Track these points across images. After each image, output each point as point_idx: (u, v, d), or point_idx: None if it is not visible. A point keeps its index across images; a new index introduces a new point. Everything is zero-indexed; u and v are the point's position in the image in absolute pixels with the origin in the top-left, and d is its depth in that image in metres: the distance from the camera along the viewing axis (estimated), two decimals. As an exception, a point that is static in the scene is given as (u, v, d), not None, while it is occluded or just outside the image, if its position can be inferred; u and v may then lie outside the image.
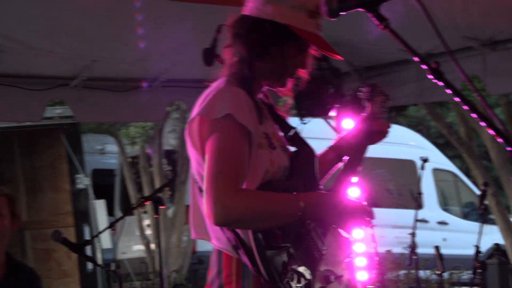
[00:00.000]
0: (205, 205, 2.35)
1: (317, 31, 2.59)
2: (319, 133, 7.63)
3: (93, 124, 13.62)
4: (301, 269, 2.40)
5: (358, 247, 5.64)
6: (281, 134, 2.71)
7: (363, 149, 2.84)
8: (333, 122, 6.67)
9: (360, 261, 5.75)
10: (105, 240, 9.36)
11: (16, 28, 5.08)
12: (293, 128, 2.75)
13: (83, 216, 8.78)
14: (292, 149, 2.71)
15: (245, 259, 2.43)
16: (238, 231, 2.44)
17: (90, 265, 8.43)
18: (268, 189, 2.46)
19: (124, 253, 13.49)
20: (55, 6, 4.81)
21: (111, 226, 5.58)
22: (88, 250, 4.79)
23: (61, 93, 5.93)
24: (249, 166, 2.43)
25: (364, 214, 2.50)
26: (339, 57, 2.65)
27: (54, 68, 5.75)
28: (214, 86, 2.53)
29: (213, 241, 2.56)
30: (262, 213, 2.39)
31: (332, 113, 6.02)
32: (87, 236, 8.47)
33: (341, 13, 2.22)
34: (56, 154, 8.87)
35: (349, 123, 5.53)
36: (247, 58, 2.54)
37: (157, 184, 12.93)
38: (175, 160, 13.65)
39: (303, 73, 2.68)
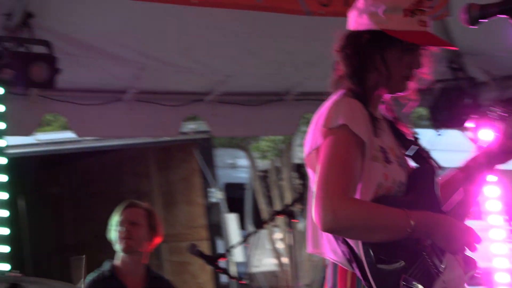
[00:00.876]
0: (313, 210, 2.35)
1: (421, 27, 2.55)
2: (456, 145, 7.41)
3: (224, 139, 13.82)
4: (416, 286, 2.35)
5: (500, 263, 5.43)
6: (402, 149, 2.66)
7: (490, 170, 2.75)
8: (469, 134, 6.48)
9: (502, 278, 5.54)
10: (238, 254, 9.45)
11: (155, 46, 5.24)
12: (416, 144, 2.69)
13: (216, 229, 8.91)
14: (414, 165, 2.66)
15: (358, 273, 2.41)
16: (352, 244, 2.43)
17: (224, 278, 8.52)
18: (382, 204, 2.42)
19: (256, 266, 13.59)
20: (192, 24, 4.93)
21: (245, 239, 5.62)
22: (222, 263, 4.83)
23: (197, 108, 6.05)
24: (362, 178, 2.42)
25: (473, 240, 2.45)
26: (452, 48, 2.59)
27: (189, 83, 5.87)
28: (331, 98, 2.55)
29: (329, 254, 2.55)
30: (370, 224, 2.37)
31: (469, 124, 5.84)
32: (220, 250, 8.57)
33: (481, 20, 2.15)
34: (190, 168, 9.05)
35: (486, 134, 5.35)
36: (353, 72, 2.56)
37: (287, 198, 12.95)
38: (305, 173, 13.64)
39: (424, 73, 2.63)
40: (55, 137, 9.27)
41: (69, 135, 8.59)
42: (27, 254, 9.58)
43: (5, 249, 5.01)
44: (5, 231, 5.03)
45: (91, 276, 4.50)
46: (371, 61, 2.56)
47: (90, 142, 8.89)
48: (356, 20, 2.59)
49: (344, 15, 2.67)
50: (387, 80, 2.58)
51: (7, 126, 5.07)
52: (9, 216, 5.08)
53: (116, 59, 5.37)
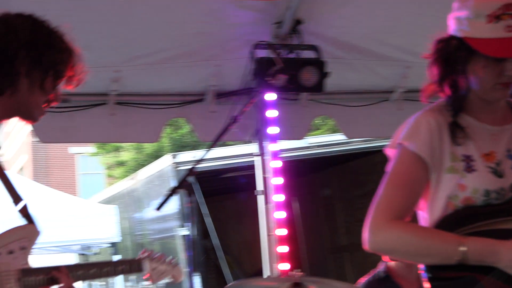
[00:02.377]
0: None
1: (507, 33, 2.35)
2: None
3: None
4: None
5: None
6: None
7: None
8: None
9: None
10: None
11: (421, 43, 5.14)
12: None
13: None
14: None
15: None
16: None
17: None
18: (464, 214, 2.36)
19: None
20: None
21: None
22: None
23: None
24: (429, 193, 2.43)
25: None
26: None
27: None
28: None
29: None
30: (411, 250, 2.37)
31: None
32: None
33: None
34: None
35: None
36: (441, 78, 2.50)
37: None
38: None
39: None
40: (325, 139, 9.48)
41: (338, 137, 8.77)
42: (303, 254, 9.92)
43: (284, 249, 5.19)
44: (283, 231, 5.22)
45: (365, 278, 4.52)
46: (461, 68, 2.45)
47: (359, 143, 8.98)
48: (449, 23, 2.51)
49: None
50: (478, 88, 2.45)
51: (280, 131, 5.27)
52: (286, 217, 5.26)
53: (383, 59, 5.35)
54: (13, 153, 31.46)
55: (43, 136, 5.34)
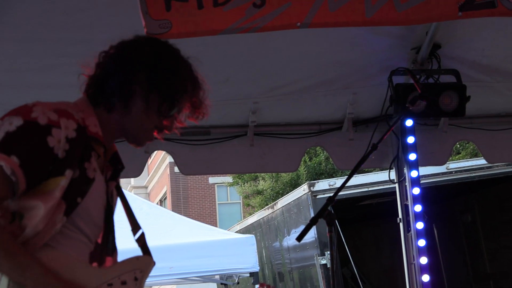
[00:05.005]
0: None
1: None
2: None
3: None
4: None
5: None
6: None
7: None
8: None
9: None
10: None
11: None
12: None
13: None
14: None
15: None
16: None
17: None
18: None
19: None
20: None
21: None
22: None
23: None
24: None
25: None
26: None
27: None
28: None
29: None
30: None
31: None
32: None
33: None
34: None
35: None
36: None
37: None
38: None
39: None
40: (465, 164, 9.25)
41: (479, 162, 8.54)
42: (446, 283, 9.65)
43: (425, 278, 5.09)
44: (423, 260, 5.12)
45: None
46: None
47: (501, 168, 8.70)
48: None
49: None
50: None
51: (420, 157, 5.19)
52: (426, 245, 5.16)
53: (526, 80, 5.17)
54: (154, 185, 32.54)
55: (184, 168, 5.49)
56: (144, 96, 2.49)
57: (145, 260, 2.55)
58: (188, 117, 2.61)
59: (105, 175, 2.55)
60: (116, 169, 2.63)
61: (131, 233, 2.69)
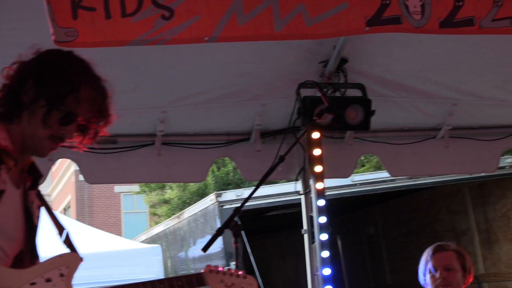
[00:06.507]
0: None
1: None
2: None
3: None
4: None
5: None
6: None
7: None
8: None
9: None
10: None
11: (468, 80, 5.13)
12: None
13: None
14: None
15: None
16: None
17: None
18: None
19: None
20: (507, 55, 4.74)
21: None
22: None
23: (517, 141, 5.79)
24: None
25: None
26: None
27: (506, 116, 5.63)
28: None
29: None
30: None
31: None
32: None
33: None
34: (509, 204, 8.66)
35: None
36: None
37: None
38: None
39: None
40: (369, 177, 9.43)
41: (383, 174, 8.73)
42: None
43: (328, 288, 5.17)
44: (327, 271, 5.19)
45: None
46: None
47: (403, 181, 8.92)
48: None
49: None
50: None
51: (326, 169, 5.26)
52: (329, 256, 5.23)
53: (429, 96, 5.33)
54: (58, 193, 31.84)
55: (89, 177, 5.39)
56: (30, 106, 2.46)
57: (70, 256, 2.55)
58: (91, 125, 2.58)
59: (23, 186, 2.52)
60: (34, 178, 2.60)
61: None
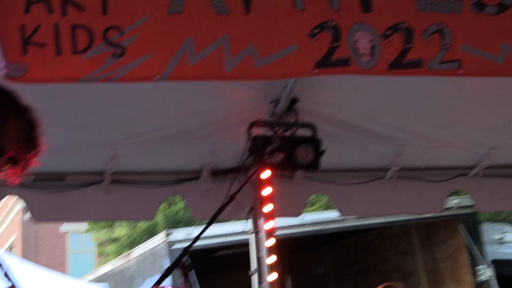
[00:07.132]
0: None
1: None
2: None
3: (490, 213, 13.25)
4: None
5: None
6: None
7: None
8: None
9: None
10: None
11: (416, 122, 5.22)
12: None
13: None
14: None
15: None
16: None
17: None
18: None
19: None
20: (452, 97, 4.85)
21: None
22: None
23: (461, 183, 5.88)
24: None
25: None
26: None
27: (453, 158, 5.73)
28: None
29: None
30: None
31: None
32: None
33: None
34: (455, 245, 8.77)
35: None
36: None
37: None
38: None
39: None
40: (319, 217, 9.47)
41: (332, 214, 8.77)
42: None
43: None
44: (274, 311, 5.16)
45: None
46: None
47: (353, 221, 8.98)
48: None
49: None
50: None
51: (276, 208, 5.26)
52: (279, 296, 5.21)
53: (377, 137, 5.39)
54: (3, 231, 31.16)
55: (37, 215, 5.30)
56: None
57: None
58: (20, 157, 2.50)
59: None
60: None
61: None
